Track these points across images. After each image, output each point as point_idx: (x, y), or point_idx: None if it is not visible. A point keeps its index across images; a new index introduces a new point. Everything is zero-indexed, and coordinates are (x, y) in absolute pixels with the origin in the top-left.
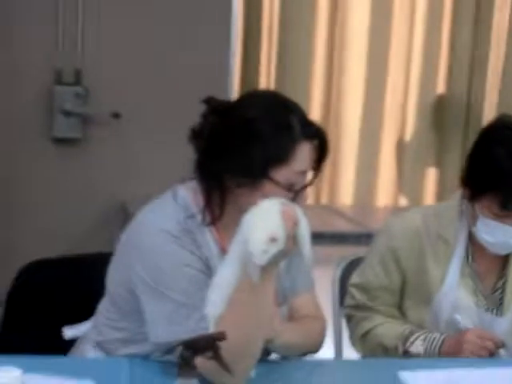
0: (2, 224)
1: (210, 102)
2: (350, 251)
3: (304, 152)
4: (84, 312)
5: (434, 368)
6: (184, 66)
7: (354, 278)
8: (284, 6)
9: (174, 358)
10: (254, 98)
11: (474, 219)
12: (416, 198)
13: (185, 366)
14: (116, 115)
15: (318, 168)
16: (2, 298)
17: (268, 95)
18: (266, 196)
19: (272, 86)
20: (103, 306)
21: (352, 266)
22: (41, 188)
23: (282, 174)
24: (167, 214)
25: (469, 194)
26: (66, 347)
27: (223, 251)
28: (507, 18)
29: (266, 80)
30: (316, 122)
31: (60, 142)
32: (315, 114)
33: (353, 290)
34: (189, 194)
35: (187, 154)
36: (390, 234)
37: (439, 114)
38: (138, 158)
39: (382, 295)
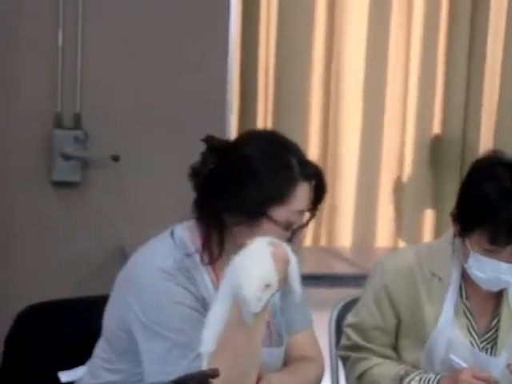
0: (1, 267)
1: (209, 140)
2: (349, 293)
3: (302, 192)
4: (82, 356)
5: None
6: (182, 108)
7: (349, 319)
8: (280, 44)
9: None
10: (253, 137)
11: (465, 255)
12: (414, 240)
13: None
14: (115, 158)
15: (315, 208)
16: (2, 342)
17: (267, 134)
18: (264, 235)
19: (269, 127)
20: (99, 348)
21: (349, 307)
22: (39, 231)
23: (280, 213)
24: (164, 253)
25: (459, 229)
26: None
27: None
28: (500, 58)
29: (263, 119)
30: (314, 163)
31: (59, 185)
32: (312, 155)
33: (348, 331)
34: (186, 233)
35: (188, 197)
36: (383, 272)
37: (435, 154)
38: (138, 201)
39: (377, 335)
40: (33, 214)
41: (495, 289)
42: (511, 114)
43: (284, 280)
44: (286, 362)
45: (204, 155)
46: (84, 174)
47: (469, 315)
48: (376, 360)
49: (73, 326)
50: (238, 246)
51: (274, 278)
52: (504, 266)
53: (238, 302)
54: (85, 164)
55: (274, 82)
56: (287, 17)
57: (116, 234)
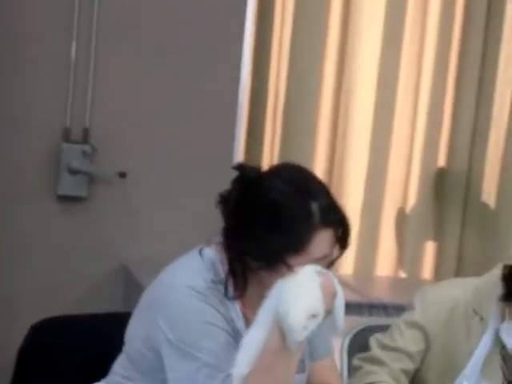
0: (4, 281)
1: (239, 168)
2: (351, 321)
3: (322, 240)
4: (95, 372)
5: None
6: (191, 127)
7: (378, 335)
8: (290, 77)
9: None
10: (279, 177)
11: (502, 316)
12: (415, 270)
13: None
14: (122, 174)
15: (340, 253)
16: (8, 357)
17: (293, 176)
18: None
19: (276, 154)
20: (119, 365)
21: (359, 336)
22: (44, 245)
23: (298, 261)
24: (194, 272)
25: (504, 293)
26: None
27: (247, 319)
28: (509, 93)
29: (270, 147)
30: (339, 207)
31: (65, 199)
32: None
33: (372, 343)
34: (215, 254)
35: (192, 216)
36: (423, 302)
37: (439, 187)
38: (143, 218)
39: (399, 357)
40: (38, 227)
41: None
42: None
43: (328, 311)
44: None
45: (232, 187)
46: (90, 189)
47: (502, 361)
48: (386, 379)
49: (85, 341)
50: (263, 284)
51: (320, 308)
52: None
53: (281, 329)
54: (91, 179)
55: (282, 116)
56: (299, 48)
57: (120, 251)
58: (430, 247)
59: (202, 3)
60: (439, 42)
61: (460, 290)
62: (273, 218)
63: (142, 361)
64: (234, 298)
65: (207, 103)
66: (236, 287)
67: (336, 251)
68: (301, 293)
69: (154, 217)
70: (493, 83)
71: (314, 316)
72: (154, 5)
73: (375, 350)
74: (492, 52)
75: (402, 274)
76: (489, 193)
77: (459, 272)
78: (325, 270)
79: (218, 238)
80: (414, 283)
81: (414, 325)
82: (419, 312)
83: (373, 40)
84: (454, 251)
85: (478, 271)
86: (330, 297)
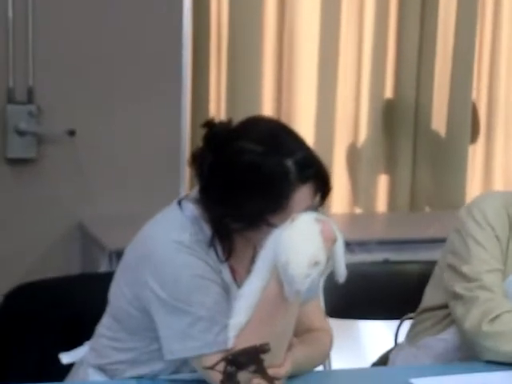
0: None
1: (209, 125)
2: None
3: (301, 196)
4: (76, 335)
5: (446, 374)
6: (137, 81)
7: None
8: (232, 17)
9: (183, 376)
10: (250, 139)
11: None
12: (369, 205)
13: (228, 382)
14: (71, 133)
15: (320, 204)
16: None
17: (264, 135)
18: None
19: (223, 103)
20: (104, 327)
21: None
22: None
23: (281, 218)
24: (177, 226)
25: None
26: (59, 373)
27: (235, 274)
28: (453, 21)
29: (217, 82)
30: (315, 157)
31: (14, 162)
32: None
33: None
34: (196, 209)
35: (144, 172)
36: (484, 212)
37: (389, 119)
38: (95, 175)
39: (494, 278)
40: None
41: None
42: (464, 79)
43: (329, 258)
44: (296, 332)
45: (203, 147)
46: (40, 150)
47: None
48: (507, 306)
49: (60, 305)
50: (249, 242)
51: (322, 255)
52: None
53: (280, 278)
54: (40, 140)
55: (226, 59)
56: None
57: (74, 210)
58: (383, 180)
59: None
60: None
61: (500, 196)
62: (248, 181)
63: (129, 321)
64: (226, 260)
65: (151, 56)
66: (224, 249)
67: (317, 199)
68: (301, 241)
69: (106, 173)
70: (436, 7)
71: (316, 264)
72: None
73: (484, 278)
74: None
75: (357, 210)
76: (438, 120)
77: (413, 203)
78: (323, 217)
79: (195, 193)
80: (369, 218)
81: (486, 238)
82: (484, 223)
83: None
84: (407, 182)
85: (432, 200)
86: (330, 242)
